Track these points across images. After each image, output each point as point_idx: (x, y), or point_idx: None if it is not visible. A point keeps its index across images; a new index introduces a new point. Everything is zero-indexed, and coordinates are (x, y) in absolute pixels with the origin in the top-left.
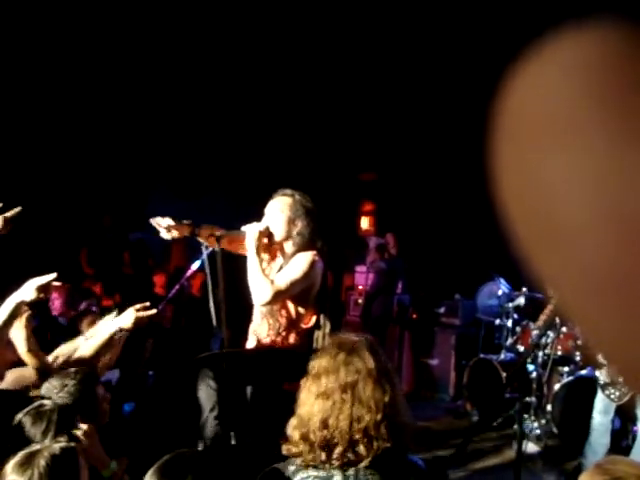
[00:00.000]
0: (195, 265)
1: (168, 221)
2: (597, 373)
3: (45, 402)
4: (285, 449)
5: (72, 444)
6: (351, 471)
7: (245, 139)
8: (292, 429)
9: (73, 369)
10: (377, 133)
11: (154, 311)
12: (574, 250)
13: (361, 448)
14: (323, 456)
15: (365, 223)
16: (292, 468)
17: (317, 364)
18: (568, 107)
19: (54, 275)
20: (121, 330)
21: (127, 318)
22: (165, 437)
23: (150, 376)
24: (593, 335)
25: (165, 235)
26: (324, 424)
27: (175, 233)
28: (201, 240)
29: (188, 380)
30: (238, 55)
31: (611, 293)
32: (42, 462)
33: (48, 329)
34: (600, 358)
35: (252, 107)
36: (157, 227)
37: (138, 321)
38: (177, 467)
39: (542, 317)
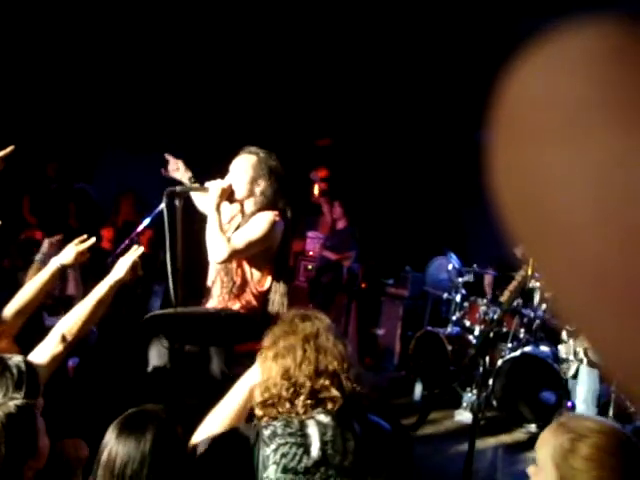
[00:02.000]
0: (147, 220)
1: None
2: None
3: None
4: (257, 419)
5: (28, 401)
6: (322, 417)
7: (202, 99)
8: (257, 398)
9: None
10: (334, 98)
11: (93, 239)
12: (573, 246)
13: (332, 392)
14: (287, 405)
15: (317, 189)
16: (267, 433)
17: (273, 333)
18: (569, 101)
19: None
20: (63, 266)
21: (67, 253)
22: (111, 396)
23: (93, 332)
24: (589, 333)
25: (173, 173)
26: (286, 376)
27: (177, 174)
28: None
29: (137, 338)
30: (195, 15)
31: (611, 290)
32: None
33: None
34: (564, 334)
35: (209, 67)
36: (169, 159)
37: (78, 255)
38: (139, 422)
39: (506, 293)
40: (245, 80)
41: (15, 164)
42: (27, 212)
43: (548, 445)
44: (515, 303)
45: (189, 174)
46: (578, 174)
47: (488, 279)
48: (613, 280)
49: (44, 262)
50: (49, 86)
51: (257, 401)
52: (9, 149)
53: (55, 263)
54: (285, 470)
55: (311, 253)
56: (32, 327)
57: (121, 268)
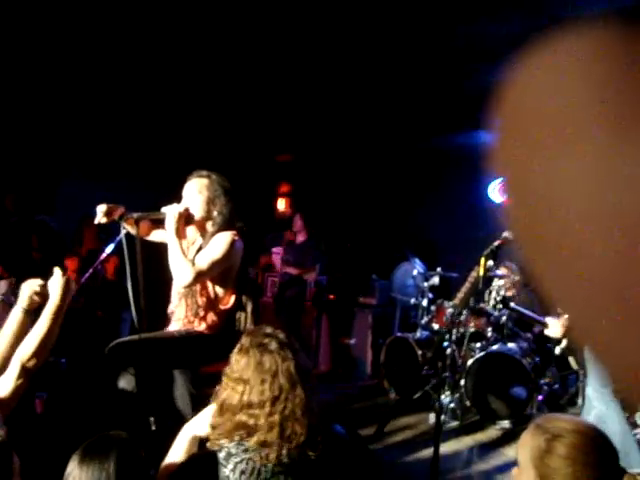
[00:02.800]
0: (109, 248)
1: (102, 207)
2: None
3: None
4: (211, 442)
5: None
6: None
7: (161, 121)
8: (213, 420)
9: None
10: (293, 114)
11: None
12: (576, 254)
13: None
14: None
15: (282, 204)
16: (221, 455)
17: (235, 360)
18: (569, 105)
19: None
20: (25, 310)
21: (23, 296)
22: (81, 425)
23: (62, 363)
24: (591, 338)
25: (100, 219)
26: (245, 408)
27: (104, 219)
28: (125, 225)
29: (105, 366)
30: (152, 36)
31: (612, 298)
32: None
33: None
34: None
35: (167, 89)
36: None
37: (34, 296)
38: (101, 447)
39: (459, 295)
40: (204, 99)
41: None
42: None
43: (527, 447)
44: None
45: (121, 210)
46: (581, 180)
47: None
48: (614, 288)
49: (4, 301)
50: (7, 115)
51: (212, 423)
52: None
53: (18, 309)
54: None
55: (277, 269)
56: None
57: (53, 292)
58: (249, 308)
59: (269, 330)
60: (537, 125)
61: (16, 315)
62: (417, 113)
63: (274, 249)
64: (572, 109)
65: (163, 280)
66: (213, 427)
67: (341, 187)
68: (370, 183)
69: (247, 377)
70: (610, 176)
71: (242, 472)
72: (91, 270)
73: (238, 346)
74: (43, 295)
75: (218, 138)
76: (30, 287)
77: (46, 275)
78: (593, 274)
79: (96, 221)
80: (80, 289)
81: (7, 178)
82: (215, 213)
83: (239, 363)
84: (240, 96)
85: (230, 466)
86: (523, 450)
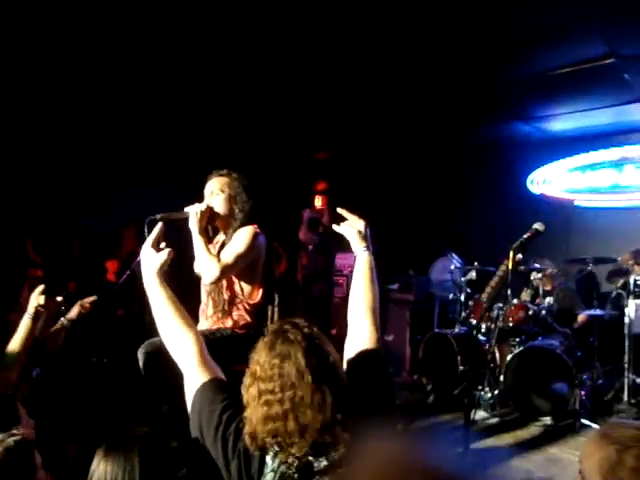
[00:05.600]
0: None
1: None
2: None
3: None
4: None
5: (27, 437)
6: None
7: (200, 122)
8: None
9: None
10: (330, 111)
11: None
12: None
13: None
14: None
15: (319, 202)
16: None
17: (255, 366)
18: None
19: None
20: (32, 317)
21: (31, 303)
22: (118, 423)
23: (104, 363)
24: None
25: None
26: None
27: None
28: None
29: (140, 366)
30: (186, 34)
31: None
32: None
33: None
34: None
35: (206, 90)
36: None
37: (40, 308)
38: (124, 442)
39: (487, 289)
40: (243, 99)
41: (15, 202)
42: (32, 252)
43: (593, 457)
44: (529, 298)
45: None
46: None
47: None
48: None
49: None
50: (46, 122)
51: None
52: None
53: (26, 316)
54: None
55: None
56: None
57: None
58: (275, 302)
59: (294, 319)
60: None
61: (24, 321)
62: (452, 106)
63: (338, 255)
64: None
65: (192, 279)
66: (249, 428)
67: (377, 184)
68: (406, 179)
69: (261, 362)
70: None
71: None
72: (128, 272)
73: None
74: (47, 306)
75: (255, 137)
76: (36, 299)
77: (87, 277)
78: None
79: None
80: (119, 289)
81: (49, 182)
82: (237, 210)
83: (257, 348)
84: (278, 94)
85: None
86: (589, 461)
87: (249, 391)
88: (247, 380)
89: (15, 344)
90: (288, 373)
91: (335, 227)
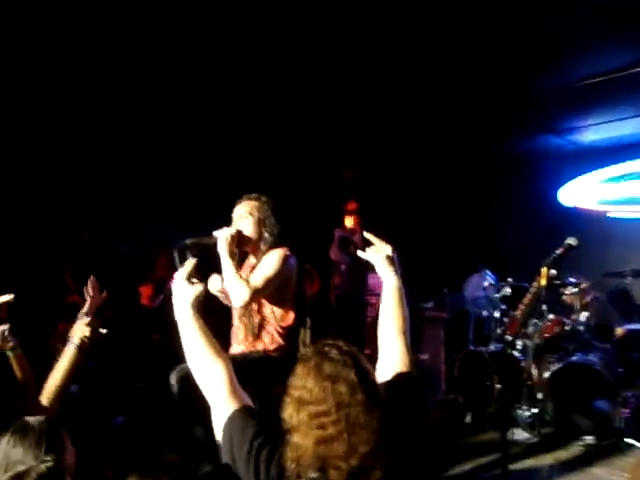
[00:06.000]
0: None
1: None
2: None
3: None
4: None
5: (59, 463)
6: None
7: (230, 146)
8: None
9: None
10: (358, 130)
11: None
12: None
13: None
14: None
15: (349, 222)
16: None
17: (299, 391)
18: None
19: (10, 296)
20: (77, 347)
21: (77, 333)
22: (152, 448)
23: (140, 388)
24: None
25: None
26: (317, 451)
27: None
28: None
29: (174, 392)
30: (214, 53)
31: None
32: None
33: None
34: None
35: (236, 111)
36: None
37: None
38: (154, 469)
39: (520, 307)
40: (272, 119)
41: (53, 229)
42: (69, 278)
43: None
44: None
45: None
46: None
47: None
48: None
49: None
50: (80, 148)
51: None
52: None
53: (71, 345)
54: None
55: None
56: None
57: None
58: (308, 324)
59: (330, 340)
60: None
61: (70, 350)
62: (481, 120)
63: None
64: None
65: (222, 304)
66: (294, 454)
67: (409, 201)
68: (437, 196)
69: (310, 386)
70: None
71: None
72: (161, 296)
73: (301, 357)
74: (93, 337)
75: (284, 157)
76: (81, 330)
77: (122, 302)
78: None
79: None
80: (152, 315)
81: (85, 208)
82: (266, 234)
83: (301, 372)
84: (306, 114)
85: None
86: None
87: (298, 416)
88: (291, 406)
89: (58, 374)
90: (340, 392)
91: (360, 253)
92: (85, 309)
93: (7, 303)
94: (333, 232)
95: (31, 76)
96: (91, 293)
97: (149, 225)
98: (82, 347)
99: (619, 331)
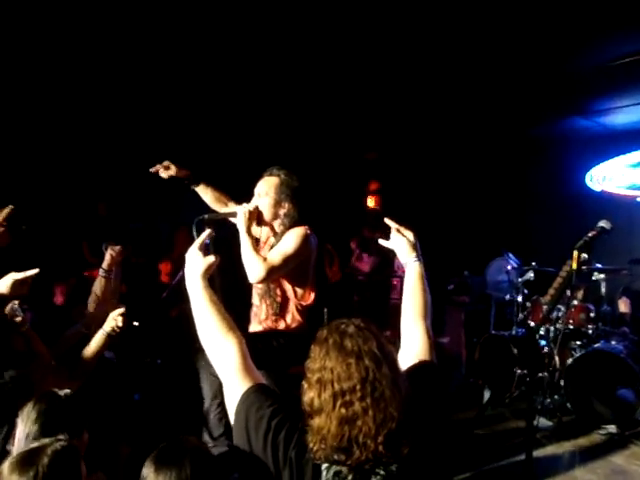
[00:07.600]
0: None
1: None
2: None
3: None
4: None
5: (73, 442)
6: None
7: (250, 124)
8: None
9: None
10: (380, 111)
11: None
12: None
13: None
14: (343, 457)
15: (371, 202)
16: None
17: (320, 373)
18: None
19: (35, 271)
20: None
21: (109, 322)
22: (169, 426)
23: (158, 364)
24: None
25: (163, 174)
26: (342, 428)
27: (171, 172)
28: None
29: (191, 368)
30: (234, 39)
31: None
32: (45, 460)
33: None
34: None
35: (255, 90)
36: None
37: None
38: (174, 454)
39: (550, 291)
40: (295, 101)
41: (67, 206)
42: (88, 256)
43: None
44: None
45: (185, 172)
46: None
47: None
48: None
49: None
50: (98, 130)
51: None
52: (6, 211)
53: (101, 332)
54: None
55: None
56: None
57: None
58: (328, 303)
59: (345, 319)
60: None
61: (99, 336)
62: (507, 102)
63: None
64: None
65: (244, 282)
66: (317, 437)
67: (430, 183)
68: (460, 178)
69: (331, 365)
70: None
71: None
72: (181, 272)
73: (316, 338)
74: (124, 328)
75: (307, 138)
76: (114, 320)
77: (141, 279)
78: None
79: (152, 170)
80: (169, 292)
81: (100, 185)
82: (282, 214)
83: (319, 353)
84: (329, 95)
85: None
86: None
87: (320, 398)
88: (312, 390)
89: (87, 356)
90: (366, 367)
91: (382, 242)
92: (105, 265)
93: (32, 277)
94: (350, 244)
95: (47, 60)
96: (110, 251)
97: (168, 203)
98: (112, 335)
99: None
